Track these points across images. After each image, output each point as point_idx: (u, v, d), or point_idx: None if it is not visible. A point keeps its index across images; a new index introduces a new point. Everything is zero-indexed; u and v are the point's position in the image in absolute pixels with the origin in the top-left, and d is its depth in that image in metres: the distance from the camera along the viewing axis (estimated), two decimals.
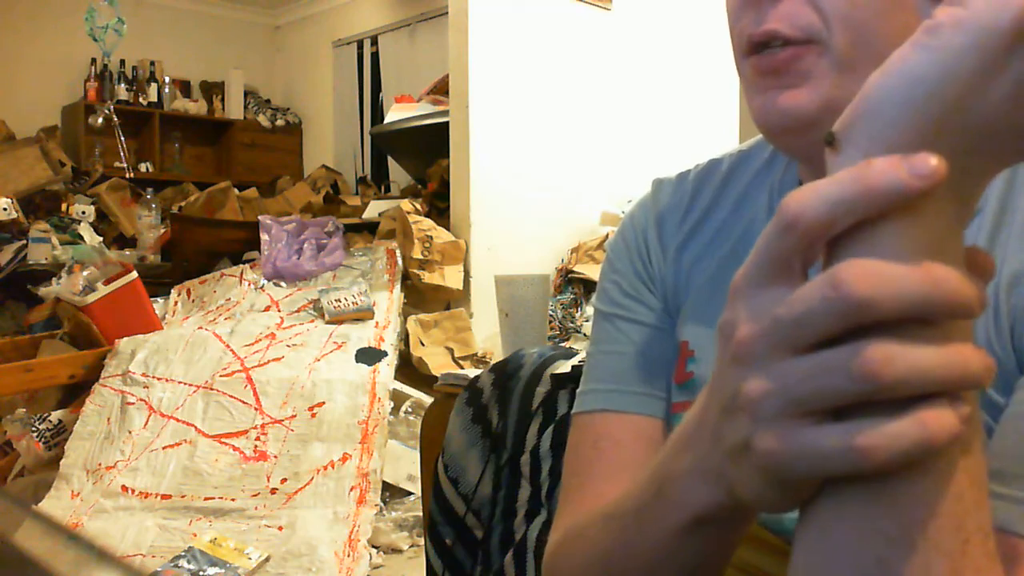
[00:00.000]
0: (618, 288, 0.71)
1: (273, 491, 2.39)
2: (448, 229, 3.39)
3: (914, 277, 0.31)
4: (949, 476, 0.33)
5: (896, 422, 0.31)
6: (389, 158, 5.21)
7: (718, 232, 0.68)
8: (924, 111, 0.32)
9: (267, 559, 2.18)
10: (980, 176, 0.34)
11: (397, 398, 2.81)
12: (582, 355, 1.04)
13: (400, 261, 3.25)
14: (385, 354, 2.82)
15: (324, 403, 2.60)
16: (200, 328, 2.97)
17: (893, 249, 0.32)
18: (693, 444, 0.42)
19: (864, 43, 0.51)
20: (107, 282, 2.92)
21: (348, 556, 2.20)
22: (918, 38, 0.32)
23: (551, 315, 3.30)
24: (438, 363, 3.04)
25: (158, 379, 2.71)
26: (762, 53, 0.54)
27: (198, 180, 5.39)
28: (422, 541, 2.25)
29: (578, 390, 0.70)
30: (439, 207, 3.56)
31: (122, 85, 5.46)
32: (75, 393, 2.79)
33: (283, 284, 3.26)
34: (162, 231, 3.97)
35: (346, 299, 3.03)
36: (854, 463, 0.32)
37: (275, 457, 2.48)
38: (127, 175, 4.87)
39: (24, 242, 3.52)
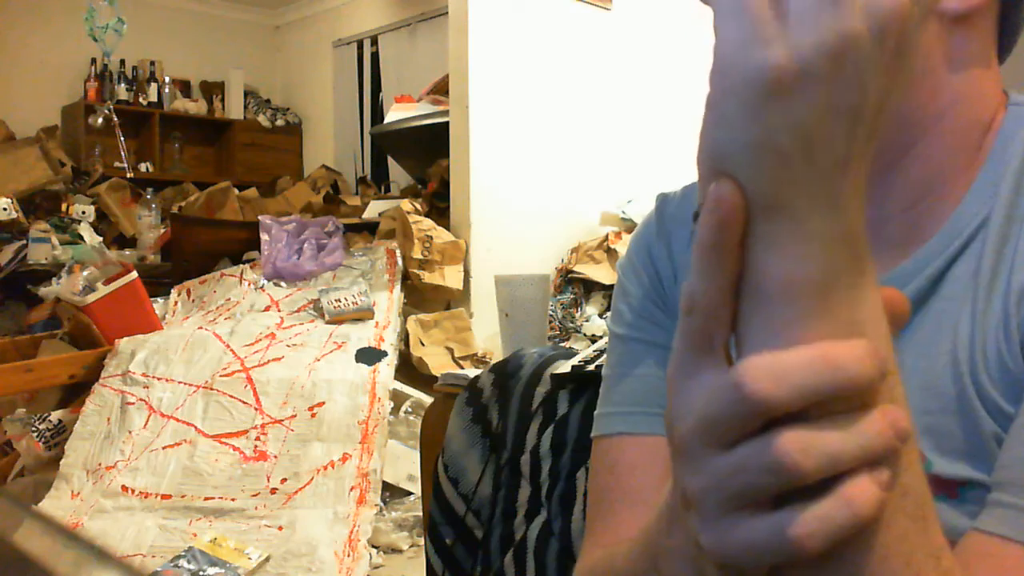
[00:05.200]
0: (630, 309, 0.71)
1: (273, 491, 2.39)
2: (448, 229, 3.39)
3: (812, 367, 0.32)
4: (890, 522, 0.34)
5: (822, 504, 0.32)
6: (389, 158, 5.21)
7: None
8: (714, 165, 0.34)
9: (267, 559, 2.18)
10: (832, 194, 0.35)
11: (397, 398, 2.81)
12: (582, 355, 1.04)
13: (400, 261, 3.25)
14: (385, 354, 2.81)
15: (324, 403, 2.60)
16: (200, 328, 2.97)
17: (788, 313, 0.33)
18: (675, 526, 0.42)
19: None
20: (107, 282, 2.92)
21: (348, 556, 2.20)
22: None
23: (551, 315, 3.29)
24: (438, 363, 3.04)
25: (158, 379, 2.71)
26: None
27: (198, 180, 5.39)
28: (422, 541, 2.25)
29: (595, 413, 0.70)
30: (439, 207, 3.56)
31: (122, 85, 5.46)
32: (75, 393, 2.79)
33: (283, 284, 3.26)
34: (162, 231, 3.97)
35: (346, 299, 3.03)
36: (792, 554, 0.32)
37: (275, 457, 2.48)
38: (127, 175, 4.87)
39: (24, 242, 3.52)
